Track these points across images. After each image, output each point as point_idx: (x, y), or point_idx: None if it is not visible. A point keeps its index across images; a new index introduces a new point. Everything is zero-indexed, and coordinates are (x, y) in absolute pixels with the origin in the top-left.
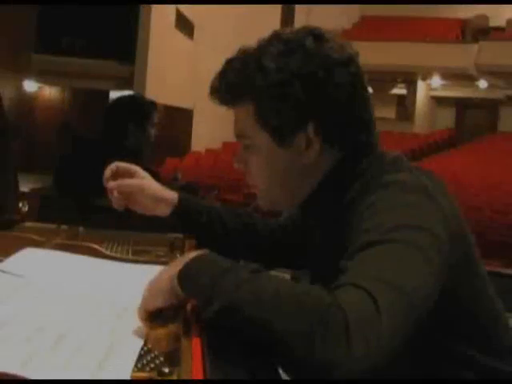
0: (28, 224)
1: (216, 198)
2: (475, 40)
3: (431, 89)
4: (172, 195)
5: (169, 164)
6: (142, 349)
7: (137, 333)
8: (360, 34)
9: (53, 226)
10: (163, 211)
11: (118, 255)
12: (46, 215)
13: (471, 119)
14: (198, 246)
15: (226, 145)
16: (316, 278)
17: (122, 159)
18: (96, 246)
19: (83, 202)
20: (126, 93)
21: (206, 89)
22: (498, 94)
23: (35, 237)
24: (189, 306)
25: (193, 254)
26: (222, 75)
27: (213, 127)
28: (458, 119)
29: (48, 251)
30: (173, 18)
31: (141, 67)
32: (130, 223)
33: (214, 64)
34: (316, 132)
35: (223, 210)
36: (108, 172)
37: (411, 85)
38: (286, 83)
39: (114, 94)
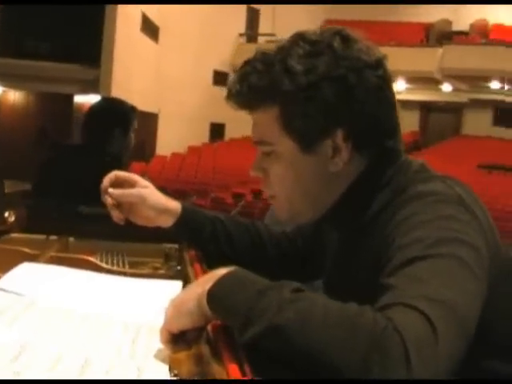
0: (14, 235)
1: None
2: (439, 44)
3: (396, 92)
4: (175, 205)
5: (135, 169)
6: (170, 374)
7: (158, 356)
8: None
9: (42, 237)
10: (165, 222)
11: (115, 268)
12: (33, 225)
13: (435, 122)
14: (199, 258)
15: (191, 149)
16: (333, 290)
17: (105, 166)
18: (92, 259)
19: (68, 210)
20: (98, 97)
21: (172, 92)
22: (462, 98)
23: (27, 249)
24: (209, 326)
25: (221, 272)
26: (244, 77)
27: (178, 131)
28: (423, 122)
29: (46, 266)
30: (138, 21)
31: (106, 71)
32: (119, 232)
33: (178, 67)
34: (345, 138)
35: (228, 221)
36: (106, 182)
37: None
38: (315, 86)
39: (79, 98)
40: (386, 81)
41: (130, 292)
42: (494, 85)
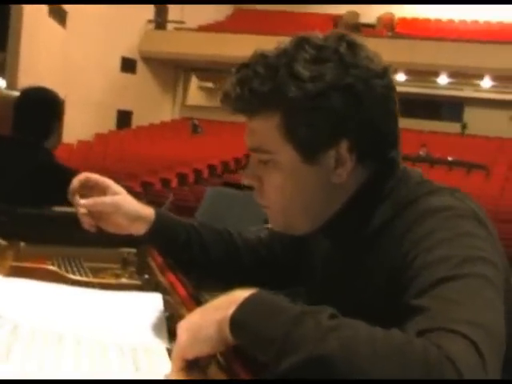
0: None
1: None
2: None
3: None
4: (149, 212)
5: None
6: None
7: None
8: (232, 27)
9: None
10: (139, 230)
11: (80, 278)
12: None
13: None
14: (169, 266)
15: (98, 136)
16: (325, 302)
17: (41, 161)
18: (54, 269)
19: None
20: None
21: (79, 78)
22: None
23: None
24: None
25: (242, 295)
26: (244, 81)
27: (85, 118)
28: None
29: (10, 280)
30: (46, 5)
31: (13, 55)
32: (73, 236)
33: (86, 53)
34: (349, 149)
35: (202, 229)
36: (76, 184)
37: None
38: (323, 94)
39: None
40: (391, 90)
41: (112, 308)
42: (400, 77)
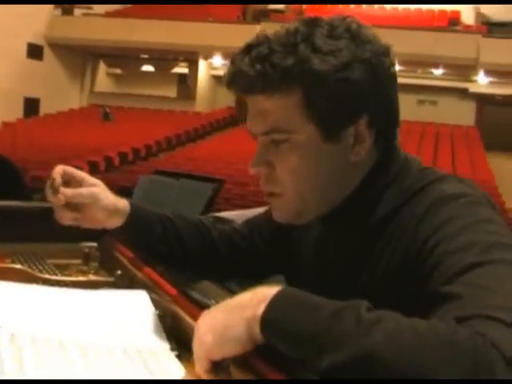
0: None
1: None
2: (256, 21)
3: (212, 68)
4: (124, 204)
5: None
6: None
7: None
8: (140, 13)
9: None
10: (114, 223)
11: (48, 276)
12: None
13: None
14: (144, 260)
15: (5, 125)
16: (324, 291)
17: None
18: (25, 268)
19: None
20: None
21: None
22: None
23: None
24: None
25: (269, 292)
26: (263, 58)
27: None
28: (238, 98)
29: None
30: None
31: None
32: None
33: None
34: (368, 125)
35: (178, 220)
36: (58, 177)
37: (193, 64)
38: (346, 67)
39: None
40: (394, 68)
41: (101, 309)
42: None
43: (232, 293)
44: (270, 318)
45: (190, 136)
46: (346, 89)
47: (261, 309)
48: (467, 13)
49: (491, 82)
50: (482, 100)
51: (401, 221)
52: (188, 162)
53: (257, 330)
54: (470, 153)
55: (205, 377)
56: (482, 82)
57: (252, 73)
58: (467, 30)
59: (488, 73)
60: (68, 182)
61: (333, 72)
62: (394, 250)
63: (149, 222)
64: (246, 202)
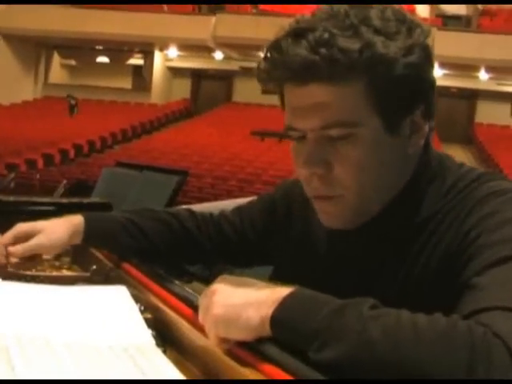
0: None
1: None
2: (212, 13)
3: (168, 59)
4: (78, 221)
5: None
6: None
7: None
8: (96, 2)
9: None
10: (75, 242)
11: (23, 272)
12: None
13: (207, 90)
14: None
15: None
16: (332, 286)
17: None
18: None
19: None
20: None
21: None
22: (233, 66)
23: None
24: None
25: (283, 292)
26: (327, 42)
27: None
28: (194, 90)
29: None
30: None
31: None
32: None
33: None
34: (423, 115)
35: (139, 218)
36: (9, 239)
37: (148, 55)
38: (409, 50)
39: None
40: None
41: (82, 306)
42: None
43: (199, 279)
44: (279, 317)
45: (145, 128)
46: (408, 76)
47: (274, 308)
48: (422, 5)
49: (445, 75)
50: (437, 92)
51: (443, 218)
52: (144, 154)
53: (267, 327)
54: None
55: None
56: (436, 74)
57: (317, 58)
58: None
59: (443, 65)
60: (20, 239)
61: (398, 57)
62: (434, 246)
63: (109, 229)
64: (204, 195)
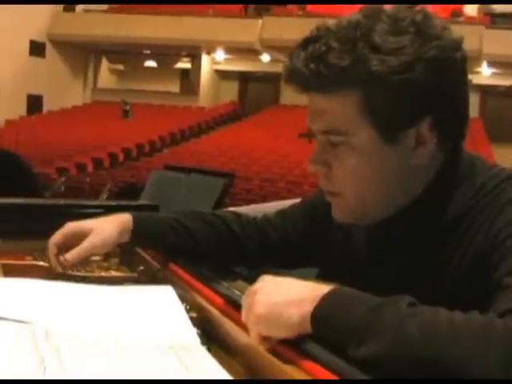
0: None
1: None
2: (259, 15)
3: (215, 62)
4: (126, 219)
5: None
6: None
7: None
8: (142, 8)
9: None
10: (124, 239)
11: (71, 272)
12: None
13: (254, 92)
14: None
15: (9, 122)
16: (374, 285)
17: None
18: (47, 265)
19: None
20: None
21: None
22: (280, 68)
23: None
24: None
25: (323, 290)
26: (319, 56)
27: None
28: (241, 92)
29: (18, 280)
30: None
31: None
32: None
33: None
34: (431, 128)
35: (184, 218)
36: (59, 238)
37: (195, 59)
38: (407, 67)
39: None
40: (465, 63)
41: (131, 306)
42: None
43: (244, 278)
44: (319, 315)
45: (193, 131)
46: (407, 91)
47: (314, 306)
48: (470, 4)
49: (494, 73)
50: (486, 91)
51: (473, 220)
52: (192, 157)
53: (308, 324)
54: (475, 144)
55: (261, 346)
56: (485, 73)
57: (306, 72)
58: (470, 21)
59: (491, 64)
60: (70, 238)
61: (393, 74)
62: (466, 250)
63: (156, 232)
64: (252, 197)
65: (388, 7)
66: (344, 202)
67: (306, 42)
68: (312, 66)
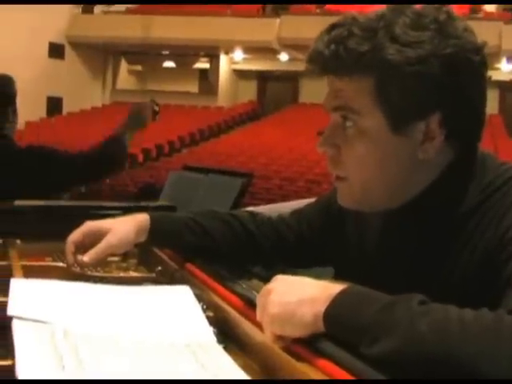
0: None
1: None
2: (276, 14)
3: (233, 62)
4: (143, 218)
5: None
6: None
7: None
8: (160, 9)
9: None
10: (142, 239)
11: (91, 273)
12: None
13: (273, 91)
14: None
15: (29, 124)
16: (385, 283)
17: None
18: (63, 265)
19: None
20: None
21: (6, 66)
22: (299, 67)
23: None
24: None
25: (336, 288)
26: (340, 40)
27: None
28: (260, 92)
29: (37, 282)
30: None
31: None
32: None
33: (12, 40)
34: (440, 124)
35: (200, 218)
36: (78, 236)
37: (214, 59)
38: (423, 61)
39: None
40: (485, 68)
41: (149, 305)
42: None
43: (259, 278)
44: (332, 314)
45: (212, 131)
46: (420, 83)
47: (326, 305)
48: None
49: None
50: (505, 87)
51: (482, 217)
52: (211, 157)
53: (321, 323)
54: (495, 141)
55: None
56: (504, 69)
57: (327, 54)
58: (489, 17)
59: (511, 60)
60: (88, 237)
61: (407, 64)
62: (476, 245)
63: (173, 231)
64: (271, 196)
65: (417, 7)
66: (349, 187)
67: (332, 27)
68: (332, 47)
